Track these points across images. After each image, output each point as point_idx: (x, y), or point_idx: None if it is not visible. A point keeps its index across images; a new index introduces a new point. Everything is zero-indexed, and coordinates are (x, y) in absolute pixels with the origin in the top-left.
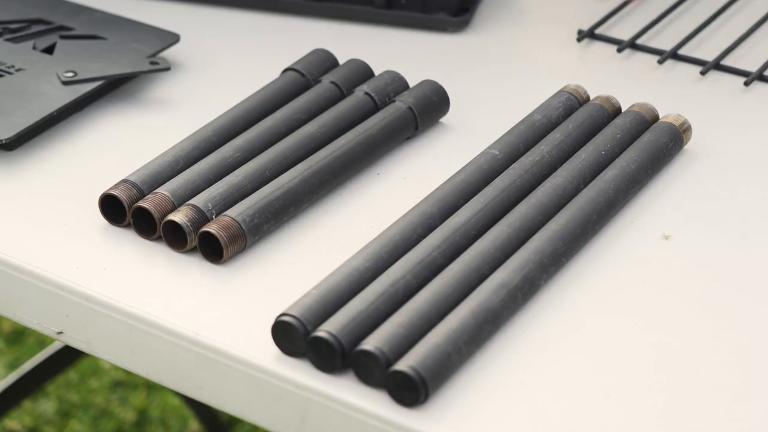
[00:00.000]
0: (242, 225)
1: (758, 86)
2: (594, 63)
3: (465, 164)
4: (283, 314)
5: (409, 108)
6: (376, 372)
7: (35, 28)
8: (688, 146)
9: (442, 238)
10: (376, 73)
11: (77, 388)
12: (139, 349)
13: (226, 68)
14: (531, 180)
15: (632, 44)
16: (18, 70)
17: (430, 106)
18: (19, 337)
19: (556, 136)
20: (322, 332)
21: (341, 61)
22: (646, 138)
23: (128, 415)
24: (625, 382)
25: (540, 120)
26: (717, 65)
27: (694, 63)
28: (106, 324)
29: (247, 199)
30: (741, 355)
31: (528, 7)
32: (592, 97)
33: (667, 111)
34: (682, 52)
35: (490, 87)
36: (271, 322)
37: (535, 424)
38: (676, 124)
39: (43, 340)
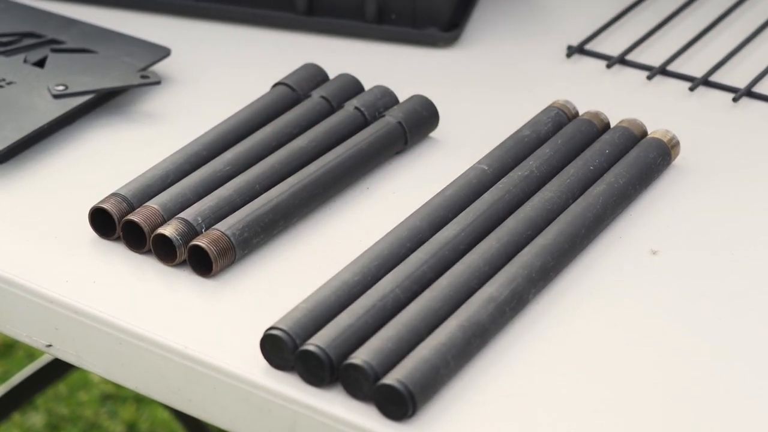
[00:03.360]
0: (232, 239)
1: (746, 102)
2: (583, 78)
3: (454, 179)
4: (271, 327)
5: (399, 123)
6: (364, 385)
7: (26, 42)
8: (677, 162)
9: (431, 252)
10: (366, 87)
11: (66, 401)
12: (128, 362)
13: (217, 82)
14: (520, 195)
15: (621, 60)
16: (9, 83)
17: (419, 121)
18: (9, 350)
19: (545, 152)
20: (310, 346)
21: (331, 75)
22: (635, 153)
23: (117, 429)
24: (613, 397)
25: (529, 135)
26: (705, 81)
27: (683, 79)
28: (95, 337)
29: (236, 212)
30: (729, 370)
31: (518, 22)
32: (581, 113)
33: (655, 126)
34: (671, 68)
35: (480, 102)
36: (260, 335)
37: None
38: (665, 139)
39: (32, 353)
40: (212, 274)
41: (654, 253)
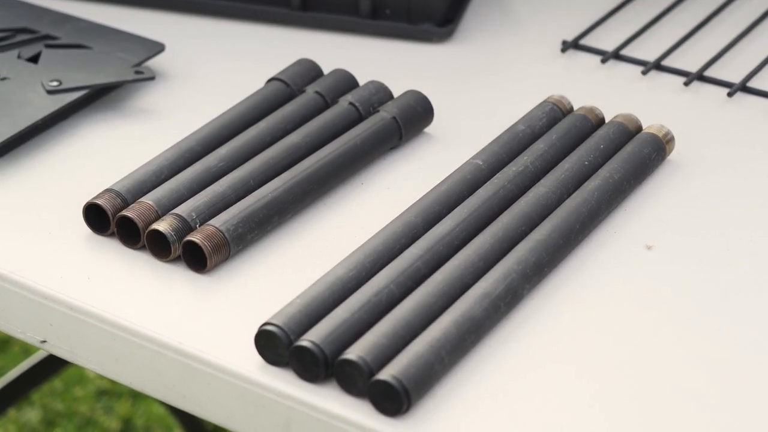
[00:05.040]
0: (226, 234)
1: (741, 97)
2: (578, 73)
3: (449, 174)
4: (266, 323)
5: (394, 118)
6: (358, 381)
7: (20, 37)
8: (671, 157)
9: (425, 247)
10: (361, 83)
11: (62, 397)
12: (122, 358)
13: (211, 78)
14: (514, 190)
15: (616, 55)
16: (3, 79)
17: (414, 116)
18: (4, 345)
19: (539, 147)
20: (305, 341)
21: (326, 71)
22: (629, 149)
23: (113, 424)
24: (608, 392)
25: (524, 130)
26: (700, 76)
27: (678, 74)
28: (89, 333)
29: (231, 208)
30: (723, 366)
31: (512, 18)
32: (575, 108)
33: (650, 122)
34: (665, 63)
35: (474, 97)
36: (255, 331)
37: None
38: (659, 134)
39: (27, 349)
40: (207, 269)
41: (648, 248)
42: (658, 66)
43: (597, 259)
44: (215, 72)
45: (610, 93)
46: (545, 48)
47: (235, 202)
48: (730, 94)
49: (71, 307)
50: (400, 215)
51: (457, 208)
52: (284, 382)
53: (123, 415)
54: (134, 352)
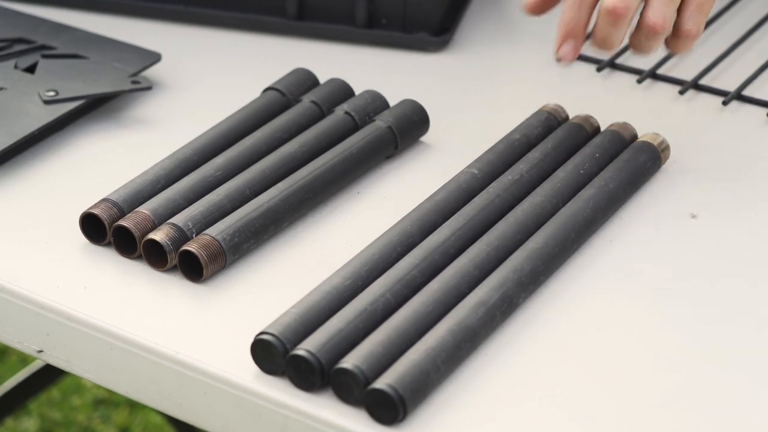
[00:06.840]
0: (222, 244)
1: (736, 106)
2: (573, 83)
3: (444, 183)
4: (262, 332)
5: (389, 127)
6: (354, 390)
7: (17, 47)
8: (666, 165)
9: (421, 256)
10: (357, 92)
11: (59, 406)
12: (119, 367)
13: (207, 87)
14: (510, 199)
15: (611, 64)
16: None
17: (410, 126)
18: (1, 355)
19: (535, 156)
20: (301, 350)
21: (322, 80)
22: (625, 157)
23: None
24: (604, 400)
25: (519, 139)
26: (695, 85)
27: (673, 83)
28: (86, 342)
29: (227, 217)
30: (721, 373)
31: (508, 27)
32: (571, 117)
33: (645, 130)
34: (661, 71)
35: (470, 106)
36: (251, 340)
37: None
38: (655, 143)
39: (25, 358)
40: (203, 279)
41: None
42: (653, 75)
43: (593, 268)
44: (211, 81)
45: (605, 102)
46: (541, 57)
47: (231, 212)
48: (725, 103)
49: (68, 317)
50: (396, 224)
51: (453, 217)
52: (280, 391)
53: (120, 424)
54: (131, 361)
